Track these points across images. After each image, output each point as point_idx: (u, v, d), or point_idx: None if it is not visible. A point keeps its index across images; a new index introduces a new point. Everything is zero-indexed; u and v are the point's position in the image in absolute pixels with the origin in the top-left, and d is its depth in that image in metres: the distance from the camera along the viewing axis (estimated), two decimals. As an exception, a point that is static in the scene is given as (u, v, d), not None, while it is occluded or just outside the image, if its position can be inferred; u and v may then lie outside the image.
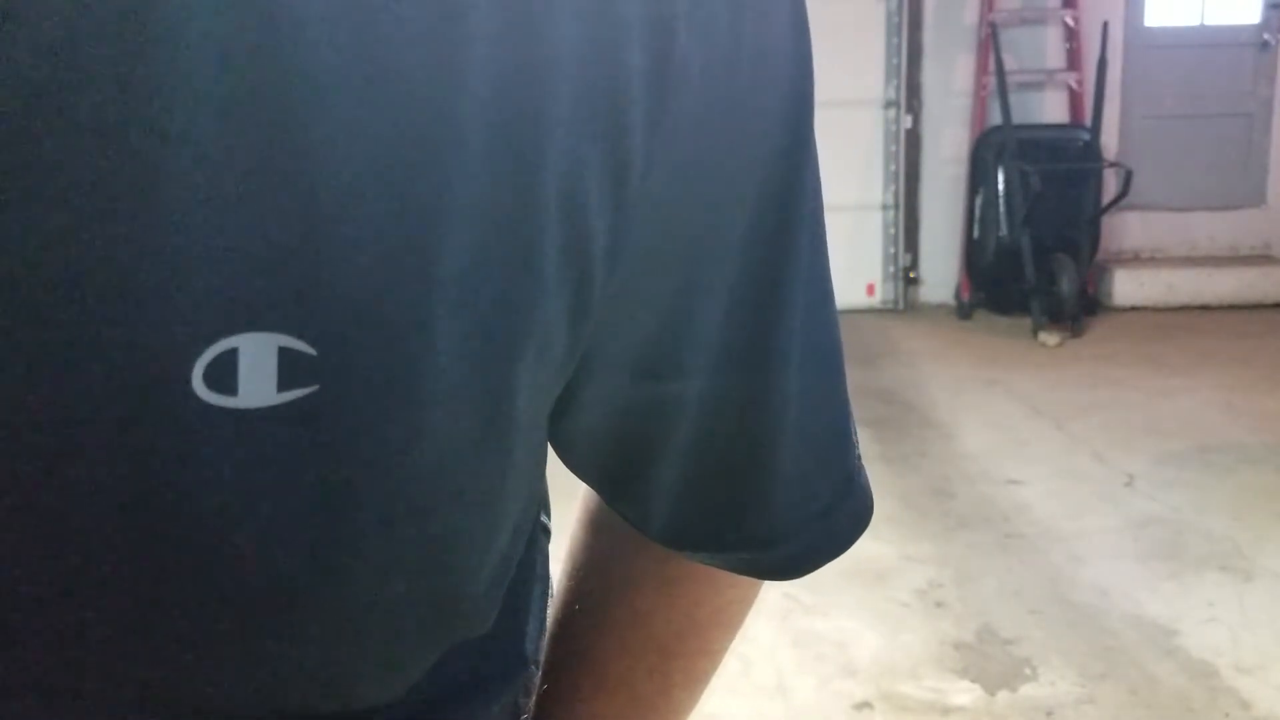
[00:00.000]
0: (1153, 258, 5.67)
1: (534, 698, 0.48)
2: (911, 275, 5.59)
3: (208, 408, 0.26)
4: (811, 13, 0.38)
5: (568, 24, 0.29)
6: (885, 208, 5.47)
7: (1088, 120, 5.22)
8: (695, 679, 0.51)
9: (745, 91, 0.34)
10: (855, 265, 5.35)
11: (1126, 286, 5.39)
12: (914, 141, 5.49)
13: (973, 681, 2.10)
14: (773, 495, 0.41)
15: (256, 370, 0.27)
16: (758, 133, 0.35)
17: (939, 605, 2.41)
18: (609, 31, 0.30)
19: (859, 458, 0.45)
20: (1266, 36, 5.54)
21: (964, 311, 5.36)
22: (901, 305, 5.53)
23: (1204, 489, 3.04)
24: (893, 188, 5.47)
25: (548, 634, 0.50)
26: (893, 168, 5.46)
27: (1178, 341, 4.71)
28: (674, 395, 0.38)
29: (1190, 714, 1.98)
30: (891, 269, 5.52)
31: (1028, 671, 2.14)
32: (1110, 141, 5.47)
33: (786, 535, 0.42)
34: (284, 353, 0.27)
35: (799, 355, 0.39)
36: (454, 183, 0.28)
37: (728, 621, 0.50)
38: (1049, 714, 2.00)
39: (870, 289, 5.48)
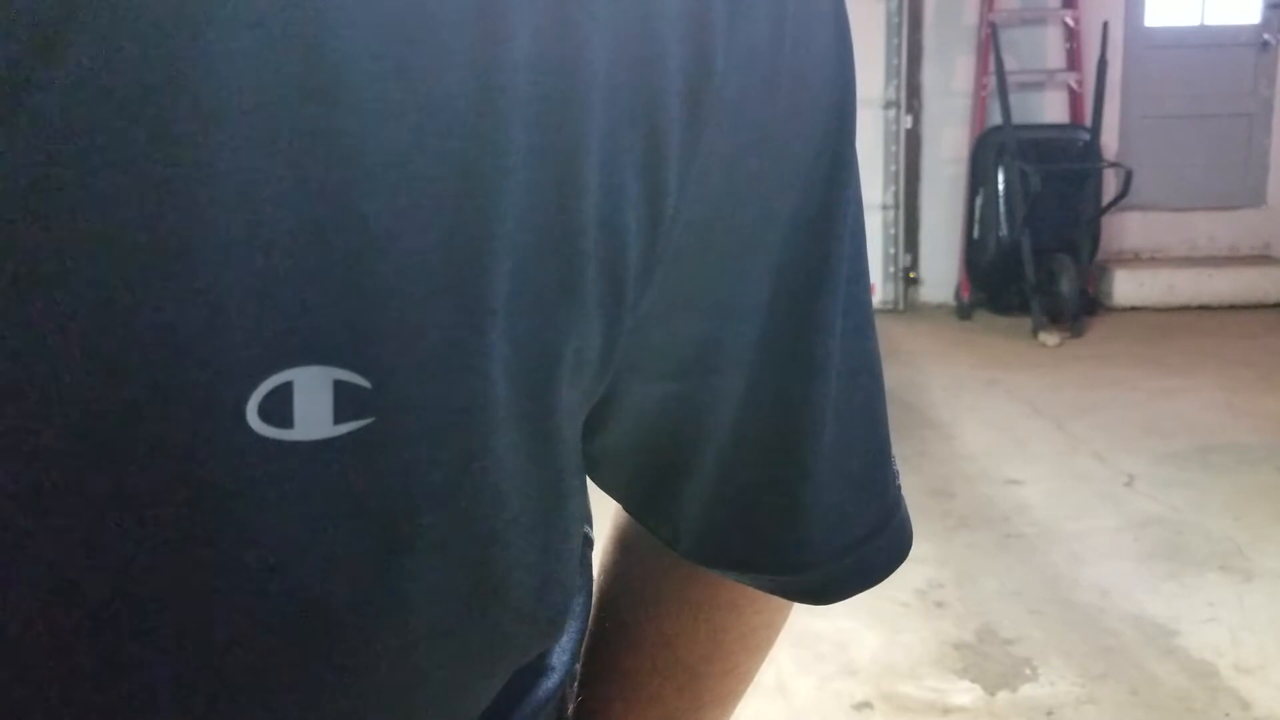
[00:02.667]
0: (1153, 258, 5.67)
1: (572, 706, 0.48)
2: (911, 275, 5.59)
3: (264, 441, 0.26)
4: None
5: (605, 52, 0.29)
6: (885, 208, 5.47)
7: (1088, 120, 5.22)
8: (724, 698, 0.51)
9: (783, 117, 0.33)
10: (855, 265, 5.34)
11: (1126, 286, 5.39)
12: (914, 141, 5.49)
13: (973, 681, 2.10)
14: (803, 520, 0.40)
15: (312, 403, 0.27)
16: (795, 157, 0.34)
17: (939, 605, 2.41)
18: (646, 59, 0.30)
19: (899, 489, 0.44)
20: (1266, 36, 5.54)
21: (964, 311, 5.36)
22: (901, 305, 5.53)
23: (1204, 489, 3.04)
24: (893, 188, 5.47)
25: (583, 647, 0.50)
26: (893, 168, 5.46)
27: (1178, 341, 4.70)
28: (704, 413, 0.37)
29: (1190, 714, 1.98)
30: (891, 269, 5.51)
31: (1028, 671, 2.14)
32: (1110, 141, 5.47)
33: (816, 562, 0.42)
34: (340, 385, 0.27)
35: (834, 382, 0.38)
36: (500, 210, 0.28)
37: (755, 646, 0.50)
38: (1049, 714, 2.00)
39: (870, 289, 5.47)
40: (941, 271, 5.57)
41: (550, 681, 0.44)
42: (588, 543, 0.50)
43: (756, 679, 0.52)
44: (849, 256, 0.37)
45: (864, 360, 0.40)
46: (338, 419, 0.27)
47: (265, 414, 0.26)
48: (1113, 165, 5.12)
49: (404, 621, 0.30)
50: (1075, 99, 5.44)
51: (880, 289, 5.51)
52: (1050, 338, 4.73)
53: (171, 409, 0.26)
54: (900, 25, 5.35)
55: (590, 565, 0.50)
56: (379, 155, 0.26)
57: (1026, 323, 4.90)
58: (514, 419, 0.30)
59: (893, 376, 4.21)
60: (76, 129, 0.24)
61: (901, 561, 0.44)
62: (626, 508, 0.44)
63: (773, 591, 0.45)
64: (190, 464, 0.26)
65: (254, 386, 0.26)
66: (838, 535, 0.41)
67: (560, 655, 0.45)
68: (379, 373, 0.27)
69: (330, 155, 0.26)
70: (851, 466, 0.41)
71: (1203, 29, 5.60)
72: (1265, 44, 5.55)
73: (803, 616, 2.34)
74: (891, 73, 5.39)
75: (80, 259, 0.25)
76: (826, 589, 0.43)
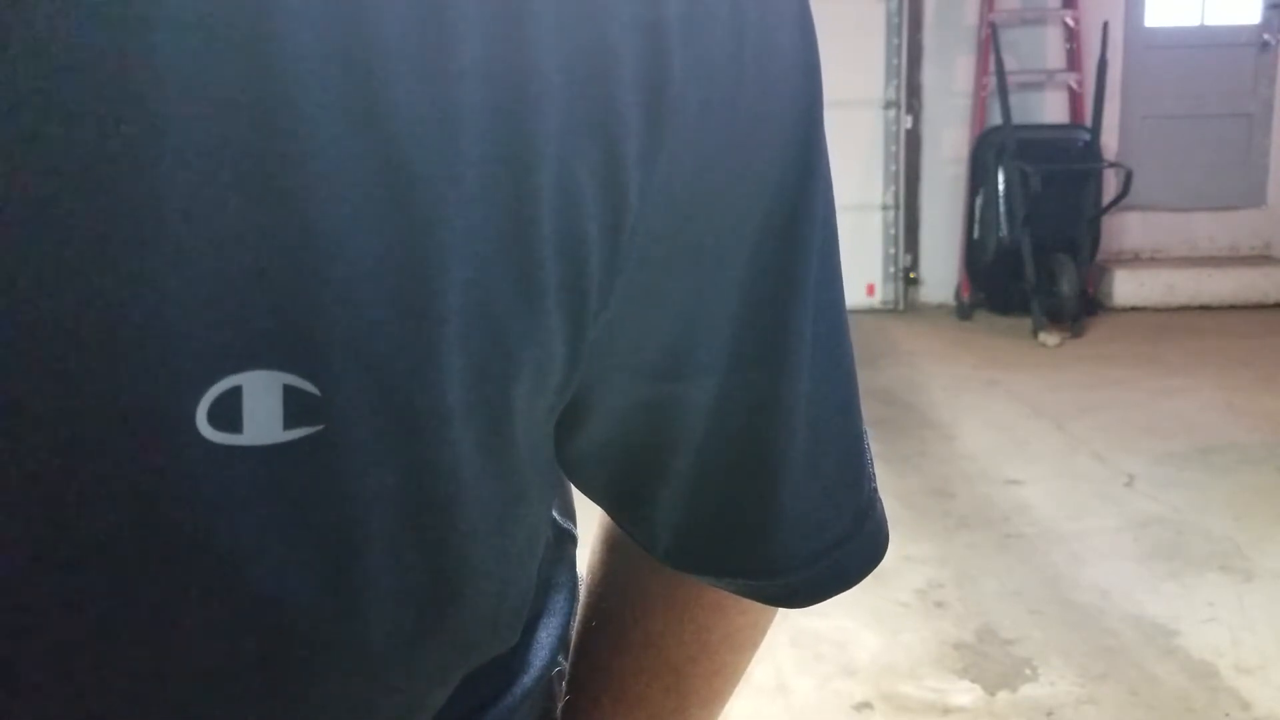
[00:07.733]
0: (1153, 258, 5.66)
1: (560, 704, 0.48)
2: (911, 275, 5.59)
3: (214, 447, 0.26)
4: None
5: (557, 62, 0.29)
6: (885, 208, 5.47)
7: (1088, 120, 5.22)
8: (711, 698, 0.51)
9: (748, 128, 0.33)
10: (855, 265, 5.34)
11: (1126, 286, 5.39)
12: (914, 141, 5.49)
13: (973, 681, 2.10)
14: (776, 525, 0.40)
15: (262, 408, 0.27)
16: (761, 164, 0.34)
17: (939, 605, 2.41)
18: (599, 71, 0.29)
19: (874, 491, 0.44)
20: (1266, 37, 5.54)
21: (964, 311, 5.36)
22: (901, 305, 5.53)
23: (1204, 489, 3.04)
24: (893, 188, 5.46)
25: (571, 646, 0.50)
26: (893, 168, 5.45)
27: (1178, 341, 4.70)
28: (677, 419, 0.37)
29: (1190, 714, 1.98)
30: (891, 269, 5.51)
31: (1028, 671, 2.14)
32: (1110, 141, 5.46)
33: (790, 566, 0.42)
34: (289, 391, 0.27)
35: (806, 390, 0.38)
36: (450, 218, 0.28)
37: (740, 645, 0.50)
38: (1049, 714, 2.00)
39: (870, 289, 5.48)
40: (941, 271, 5.57)
41: (526, 679, 0.44)
42: (571, 540, 0.50)
43: (757, 679, 0.52)
44: (819, 262, 0.37)
45: (836, 364, 0.40)
46: (287, 425, 0.27)
47: (214, 419, 0.26)
48: (1113, 165, 5.12)
49: (361, 625, 0.30)
50: (1075, 99, 5.44)
51: (880, 289, 5.51)
52: (1050, 338, 4.73)
53: (121, 414, 0.26)
54: (900, 25, 5.35)
55: (574, 563, 0.51)
56: (324, 161, 0.26)
57: (1026, 323, 4.90)
58: (469, 427, 0.30)
59: (893, 376, 4.21)
60: (17, 129, 0.24)
61: (876, 565, 0.45)
62: (605, 511, 0.44)
63: (745, 595, 0.45)
64: (140, 469, 0.26)
65: (204, 391, 0.26)
66: (811, 540, 0.41)
67: (538, 652, 0.45)
68: (328, 380, 0.27)
69: (275, 160, 0.26)
70: (824, 471, 0.41)
71: (1203, 29, 5.59)
72: (1265, 44, 5.55)
73: (802, 617, 2.34)
74: (891, 73, 5.39)
75: (22, 264, 0.25)
76: (800, 593, 0.44)
